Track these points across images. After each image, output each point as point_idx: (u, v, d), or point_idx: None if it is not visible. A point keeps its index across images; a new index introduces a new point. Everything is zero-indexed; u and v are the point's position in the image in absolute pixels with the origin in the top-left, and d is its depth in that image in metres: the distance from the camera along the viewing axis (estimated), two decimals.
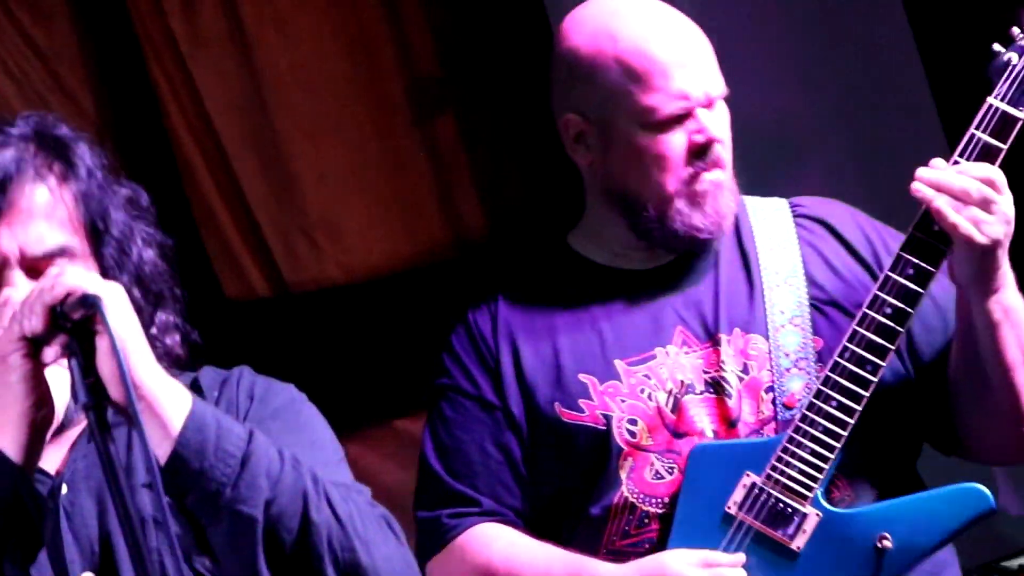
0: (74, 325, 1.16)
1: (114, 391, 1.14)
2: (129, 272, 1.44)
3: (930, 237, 1.61)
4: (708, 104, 1.69)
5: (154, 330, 1.45)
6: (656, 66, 1.67)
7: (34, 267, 1.34)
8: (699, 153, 1.70)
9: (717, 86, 1.71)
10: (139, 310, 1.39)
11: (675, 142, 1.69)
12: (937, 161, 1.62)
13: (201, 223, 3.77)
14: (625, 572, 1.67)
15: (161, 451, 1.20)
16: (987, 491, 1.65)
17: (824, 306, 1.75)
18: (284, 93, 3.76)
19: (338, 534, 1.29)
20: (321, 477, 1.32)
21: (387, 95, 3.87)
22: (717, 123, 1.70)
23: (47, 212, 1.36)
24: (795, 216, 1.83)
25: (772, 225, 1.83)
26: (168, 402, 1.23)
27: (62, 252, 1.35)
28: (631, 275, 1.81)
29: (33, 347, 1.19)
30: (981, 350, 1.66)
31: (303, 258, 3.89)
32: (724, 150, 1.72)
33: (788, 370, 1.73)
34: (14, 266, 1.34)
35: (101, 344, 1.14)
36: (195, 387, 1.46)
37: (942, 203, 1.56)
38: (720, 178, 1.72)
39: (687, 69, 1.68)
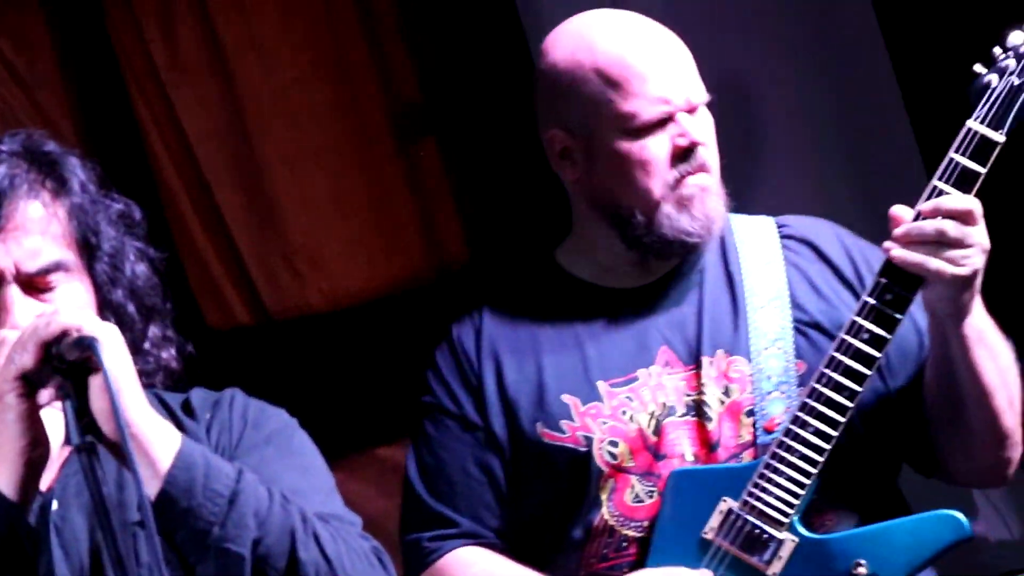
0: (69, 366, 1.18)
1: (107, 429, 1.17)
2: (123, 287, 1.46)
3: (902, 289, 1.62)
4: (690, 109, 1.70)
5: (147, 344, 1.47)
6: (634, 72, 1.69)
7: (29, 283, 1.36)
8: (683, 157, 1.70)
9: (698, 93, 1.72)
10: (132, 324, 1.44)
11: (658, 147, 1.70)
12: (901, 209, 1.63)
13: (182, 251, 3.73)
14: None
15: (150, 489, 1.22)
16: (963, 518, 1.65)
17: (807, 329, 1.75)
18: (265, 120, 3.78)
19: (325, 573, 1.30)
20: (310, 515, 1.35)
21: (368, 122, 3.90)
22: (700, 128, 1.71)
23: (42, 228, 1.38)
24: (781, 236, 1.84)
25: (758, 245, 1.83)
26: (157, 441, 1.26)
27: (57, 267, 1.38)
28: (616, 293, 1.81)
29: (29, 387, 1.21)
30: (957, 375, 1.66)
31: (285, 286, 3.88)
32: (709, 154, 1.73)
33: (770, 393, 1.72)
34: (10, 282, 1.35)
35: (94, 382, 1.17)
36: (186, 407, 1.50)
37: (917, 257, 1.57)
38: (706, 182, 1.73)
39: (666, 75, 1.70)
